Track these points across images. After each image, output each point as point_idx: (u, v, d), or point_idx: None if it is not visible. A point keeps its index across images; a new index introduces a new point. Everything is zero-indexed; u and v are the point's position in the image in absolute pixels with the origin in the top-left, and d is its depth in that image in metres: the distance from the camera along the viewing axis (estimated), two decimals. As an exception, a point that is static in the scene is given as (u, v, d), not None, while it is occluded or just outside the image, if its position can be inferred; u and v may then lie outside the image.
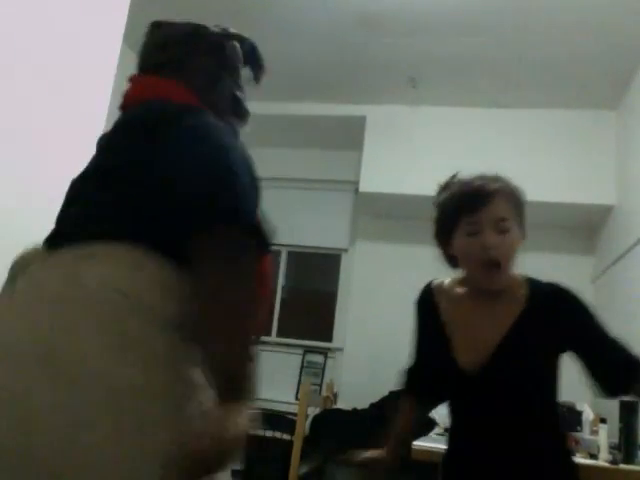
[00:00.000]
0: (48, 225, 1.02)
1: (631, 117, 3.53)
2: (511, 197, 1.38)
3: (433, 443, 2.19)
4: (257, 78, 1.23)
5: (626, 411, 2.18)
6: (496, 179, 1.40)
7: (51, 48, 2.40)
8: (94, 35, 2.65)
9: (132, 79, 1.15)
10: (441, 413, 3.03)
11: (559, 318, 1.34)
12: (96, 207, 0.95)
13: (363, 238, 4.45)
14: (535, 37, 3.27)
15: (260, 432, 3.93)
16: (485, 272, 1.34)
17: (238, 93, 1.17)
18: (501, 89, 3.82)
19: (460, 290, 1.46)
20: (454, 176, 1.50)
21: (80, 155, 2.78)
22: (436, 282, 1.52)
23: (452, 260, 1.47)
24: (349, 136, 4.25)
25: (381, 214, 4.37)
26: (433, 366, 1.48)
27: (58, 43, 2.45)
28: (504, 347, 1.33)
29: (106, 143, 1.06)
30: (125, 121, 1.06)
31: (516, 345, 1.33)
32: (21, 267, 0.93)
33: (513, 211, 1.36)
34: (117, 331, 0.80)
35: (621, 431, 2.17)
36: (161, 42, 1.15)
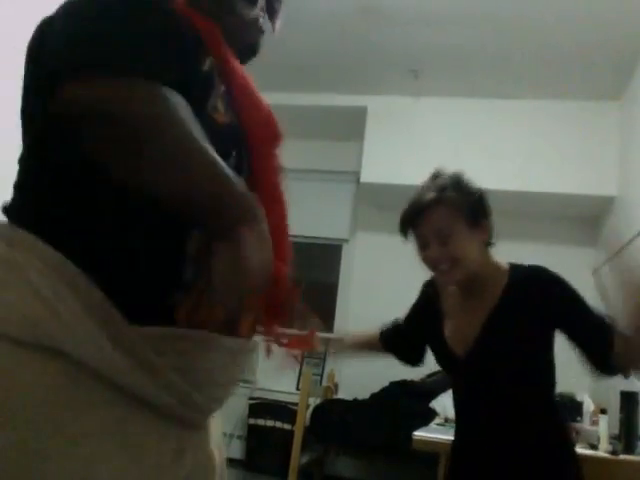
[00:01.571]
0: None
1: (634, 108, 3.51)
2: (453, 200, 1.41)
3: (433, 433, 2.20)
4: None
5: (626, 402, 2.19)
6: (436, 186, 1.45)
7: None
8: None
9: None
10: (442, 404, 3.03)
11: (538, 300, 1.38)
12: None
13: (364, 229, 4.45)
14: (537, 27, 3.25)
15: (261, 422, 3.95)
16: (439, 278, 1.48)
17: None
18: (503, 80, 3.80)
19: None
20: (432, 176, 1.53)
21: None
22: None
23: None
24: (350, 126, 4.23)
25: (382, 205, 4.36)
26: (434, 354, 1.58)
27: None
28: (484, 334, 1.40)
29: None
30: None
31: (495, 331, 1.39)
32: None
33: (456, 213, 1.40)
34: None
35: (621, 422, 2.17)
36: None
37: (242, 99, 0.86)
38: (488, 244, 1.47)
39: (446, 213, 1.40)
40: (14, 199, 0.78)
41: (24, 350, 0.64)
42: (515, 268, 1.46)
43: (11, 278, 0.66)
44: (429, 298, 1.61)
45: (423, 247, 1.44)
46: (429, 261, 1.43)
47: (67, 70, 0.66)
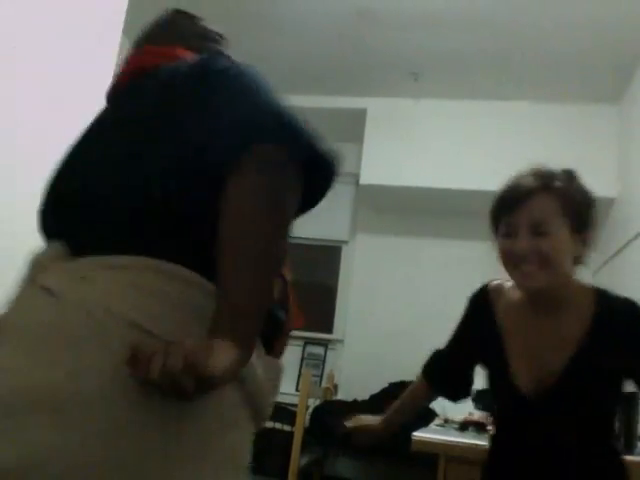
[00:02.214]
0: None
1: (633, 110, 3.52)
2: (560, 195, 1.21)
3: (433, 434, 2.20)
4: None
5: (626, 402, 2.19)
6: (544, 175, 1.27)
7: (49, 40, 2.39)
8: (93, 27, 2.64)
9: (137, 50, 1.11)
10: (441, 405, 3.03)
11: (627, 340, 1.17)
12: (122, 198, 0.79)
13: (364, 230, 4.45)
14: (536, 30, 3.26)
15: (261, 423, 3.95)
16: (517, 275, 1.21)
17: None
18: (502, 82, 3.81)
19: (519, 295, 1.30)
20: (538, 165, 1.36)
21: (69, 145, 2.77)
22: (495, 283, 1.38)
23: None
24: (350, 128, 4.24)
25: (382, 206, 4.37)
26: (490, 382, 1.34)
27: (56, 35, 2.44)
28: (570, 373, 1.18)
29: (136, 110, 0.89)
30: (159, 81, 0.90)
31: (583, 371, 1.18)
32: (37, 271, 0.79)
33: (561, 211, 1.19)
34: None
35: (621, 422, 2.17)
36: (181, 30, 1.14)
37: None
38: (579, 261, 1.26)
39: (551, 204, 1.19)
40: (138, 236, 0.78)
41: None
42: (603, 295, 1.24)
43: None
44: (482, 311, 1.34)
45: (508, 236, 1.20)
46: (514, 254, 1.18)
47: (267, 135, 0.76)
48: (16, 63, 2.22)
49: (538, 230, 1.17)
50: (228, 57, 0.93)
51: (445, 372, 1.47)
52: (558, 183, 1.23)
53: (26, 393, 0.64)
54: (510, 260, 1.20)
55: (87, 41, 2.65)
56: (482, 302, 1.35)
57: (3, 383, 0.65)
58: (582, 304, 1.22)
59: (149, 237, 0.77)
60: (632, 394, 2.20)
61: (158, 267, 0.74)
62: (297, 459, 3.03)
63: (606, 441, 1.27)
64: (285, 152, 0.75)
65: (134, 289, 0.72)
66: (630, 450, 2.10)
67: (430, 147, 3.98)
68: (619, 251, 3.44)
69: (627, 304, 1.20)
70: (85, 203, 0.82)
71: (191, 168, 0.77)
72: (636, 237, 3.17)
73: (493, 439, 1.38)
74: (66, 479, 0.62)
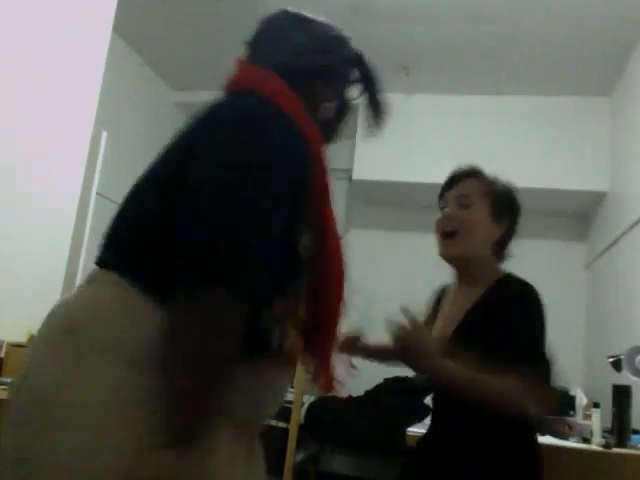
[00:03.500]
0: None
1: (624, 103, 3.53)
2: (485, 182, 1.44)
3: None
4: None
5: (619, 395, 2.20)
6: (475, 168, 1.47)
7: (49, 40, 2.37)
8: (83, 22, 2.62)
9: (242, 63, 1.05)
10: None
11: (500, 308, 1.31)
12: (120, 224, 0.91)
13: (357, 225, 4.45)
14: (527, 23, 3.26)
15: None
16: (441, 241, 1.42)
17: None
18: (494, 76, 3.81)
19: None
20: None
21: (70, 145, 2.76)
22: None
23: None
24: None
25: (375, 202, 4.37)
26: None
27: (56, 35, 2.42)
28: (456, 337, 1.35)
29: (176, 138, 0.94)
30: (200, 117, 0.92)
31: (464, 336, 1.34)
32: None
33: (484, 192, 1.42)
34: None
35: (614, 415, 2.18)
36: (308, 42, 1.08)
37: (330, 243, 1.06)
38: (498, 249, 1.43)
39: (476, 186, 1.43)
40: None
41: None
42: (507, 277, 1.38)
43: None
44: (438, 299, 1.60)
45: (441, 208, 1.45)
46: (439, 222, 1.42)
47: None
48: (16, 63, 2.20)
49: (462, 202, 1.40)
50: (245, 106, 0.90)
51: None
52: (485, 175, 1.46)
53: None
54: (438, 229, 1.42)
55: (86, 41, 2.63)
56: (438, 293, 1.60)
57: None
58: (487, 283, 1.37)
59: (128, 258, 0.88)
60: (624, 387, 2.21)
61: (114, 281, 0.86)
62: (292, 455, 3.03)
63: (504, 421, 1.29)
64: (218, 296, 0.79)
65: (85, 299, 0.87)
66: (623, 443, 2.11)
67: (423, 142, 3.98)
68: (611, 244, 3.45)
69: (519, 285, 1.33)
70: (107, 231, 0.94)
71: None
72: (628, 230, 3.18)
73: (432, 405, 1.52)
74: None
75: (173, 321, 0.79)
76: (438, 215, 1.45)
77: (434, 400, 1.49)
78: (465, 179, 1.44)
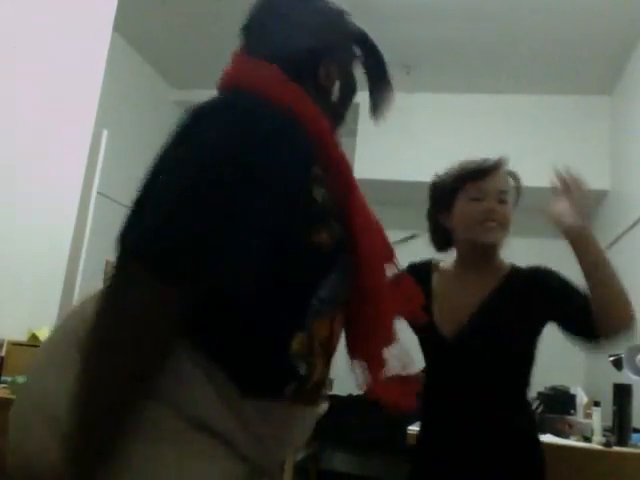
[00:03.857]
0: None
1: (625, 102, 3.53)
2: (512, 176, 1.51)
3: (428, 428, 2.19)
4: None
5: (619, 394, 2.20)
6: (506, 163, 1.52)
7: (49, 40, 2.37)
8: (83, 22, 2.61)
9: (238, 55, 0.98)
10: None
11: (534, 291, 1.40)
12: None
13: (357, 225, 4.45)
14: (529, 23, 3.26)
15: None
16: (484, 228, 1.42)
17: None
18: (495, 75, 3.81)
19: (453, 267, 1.53)
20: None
21: (70, 145, 2.76)
22: (435, 260, 1.59)
23: (443, 238, 1.53)
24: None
25: (375, 200, 4.33)
26: (420, 343, 1.48)
27: (56, 35, 2.42)
28: (481, 312, 1.39)
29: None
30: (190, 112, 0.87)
31: (492, 310, 1.40)
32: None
33: (514, 191, 1.49)
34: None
35: (614, 414, 2.18)
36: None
37: (361, 225, 0.94)
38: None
39: (508, 180, 1.49)
40: None
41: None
42: (516, 266, 1.49)
43: None
44: (420, 279, 1.55)
45: (476, 199, 1.44)
46: (484, 212, 1.41)
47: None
48: (16, 63, 2.20)
49: (501, 197, 1.43)
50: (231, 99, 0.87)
51: None
52: (512, 169, 1.52)
53: None
54: (478, 217, 1.43)
55: (86, 41, 2.63)
56: (423, 271, 1.54)
57: None
58: (500, 268, 1.47)
59: None
60: (624, 386, 2.21)
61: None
62: (293, 454, 3.03)
63: (521, 392, 1.41)
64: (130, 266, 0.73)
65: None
66: (623, 442, 2.11)
67: (423, 141, 3.97)
68: (612, 243, 3.45)
69: (533, 268, 1.45)
70: None
71: None
72: (629, 229, 3.17)
73: (423, 397, 1.47)
74: None
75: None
76: (472, 206, 1.44)
77: (442, 391, 1.44)
78: (501, 171, 1.47)
